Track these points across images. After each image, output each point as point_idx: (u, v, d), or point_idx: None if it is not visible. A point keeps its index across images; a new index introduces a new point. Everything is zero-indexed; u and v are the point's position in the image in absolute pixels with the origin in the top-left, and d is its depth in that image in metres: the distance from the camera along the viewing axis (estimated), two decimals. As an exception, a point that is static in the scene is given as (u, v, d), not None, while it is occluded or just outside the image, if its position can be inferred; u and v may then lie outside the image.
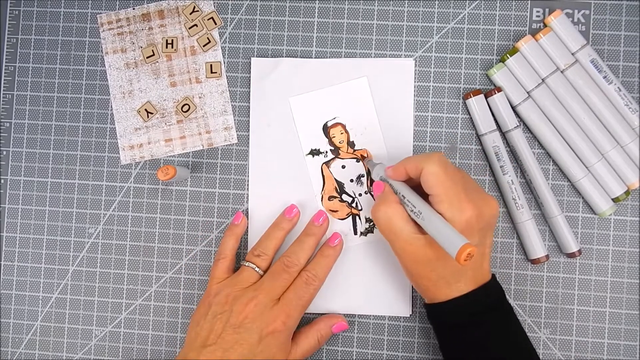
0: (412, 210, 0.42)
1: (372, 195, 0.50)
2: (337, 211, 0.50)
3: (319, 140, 0.51)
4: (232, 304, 0.44)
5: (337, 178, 0.51)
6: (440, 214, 0.41)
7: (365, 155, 0.50)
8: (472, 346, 0.42)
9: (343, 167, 0.51)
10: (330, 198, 0.51)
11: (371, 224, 0.50)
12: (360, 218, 0.50)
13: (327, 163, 0.51)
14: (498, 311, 0.43)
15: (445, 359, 0.45)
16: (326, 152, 0.51)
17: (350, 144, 0.51)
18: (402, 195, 0.43)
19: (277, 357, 0.44)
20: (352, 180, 0.51)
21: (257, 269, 0.46)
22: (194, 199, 0.52)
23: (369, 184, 0.50)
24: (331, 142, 0.51)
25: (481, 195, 0.43)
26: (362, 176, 0.50)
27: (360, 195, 0.50)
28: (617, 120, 0.49)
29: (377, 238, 0.50)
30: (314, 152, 0.51)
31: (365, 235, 0.50)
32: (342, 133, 0.51)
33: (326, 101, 0.51)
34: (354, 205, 0.50)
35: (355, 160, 0.51)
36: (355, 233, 0.50)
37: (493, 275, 0.44)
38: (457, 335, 0.43)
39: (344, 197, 0.51)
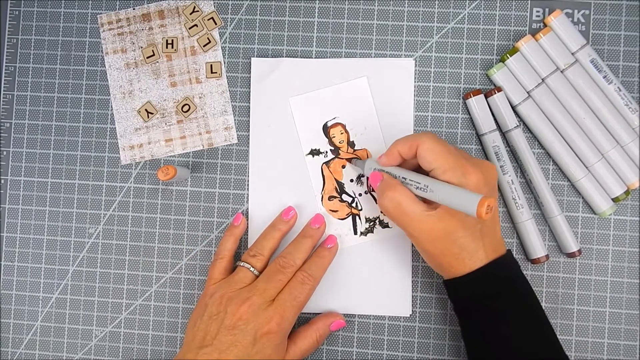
0: (418, 187, 0.42)
1: (371, 194, 0.50)
2: (337, 211, 0.50)
3: (319, 140, 0.51)
4: (227, 305, 0.44)
5: (337, 178, 0.51)
6: (446, 182, 0.41)
7: (366, 155, 0.51)
8: (493, 318, 0.42)
9: (343, 167, 0.51)
10: (331, 198, 0.51)
11: (371, 224, 0.50)
12: (360, 218, 0.50)
13: (327, 163, 0.51)
14: (518, 282, 0.43)
15: (466, 336, 0.45)
16: (326, 152, 0.51)
17: (351, 144, 0.51)
18: (403, 177, 0.43)
19: (273, 358, 0.43)
20: (352, 180, 0.51)
21: (252, 269, 0.46)
22: (194, 199, 0.52)
23: (369, 185, 0.50)
24: (331, 142, 0.51)
25: (477, 160, 0.43)
26: (362, 176, 0.50)
27: (360, 195, 0.50)
28: (617, 120, 0.49)
29: (377, 238, 0.50)
30: (314, 152, 0.51)
31: (366, 235, 0.50)
32: (342, 133, 0.51)
33: (326, 101, 0.51)
34: (354, 205, 0.50)
35: (355, 160, 0.51)
36: (355, 233, 0.50)
37: (509, 250, 0.44)
38: (479, 308, 0.43)
39: (344, 197, 0.51)
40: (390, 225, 0.50)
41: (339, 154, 0.51)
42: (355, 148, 0.51)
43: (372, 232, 0.50)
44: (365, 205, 0.50)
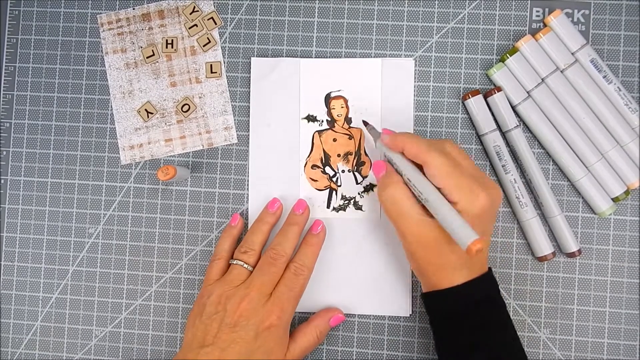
0: (419, 196, 0.42)
1: (354, 174, 0.50)
2: (317, 181, 0.50)
3: (318, 107, 0.51)
4: (226, 304, 0.44)
5: (325, 149, 0.51)
6: (452, 202, 0.41)
7: (360, 134, 0.50)
8: (469, 335, 0.42)
9: (334, 140, 0.51)
10: (314, 167, 0.51)
11: (345, 202, 0.50)
12: (337, 194, 0.50)
13: (320, 132, 0.51)
14: (497, 302, 0.43)
15: (440, 352, 0.44)
16: (322, 121, 0.51)
17: (348, 120, 0.51)
18: (408, 178, 0.43)
19: (275, 351, 0.44)
20: (339, 155, 0.50)
21: (245, 265, 0.46)
22: (194, 199, 0.52)
23: (354, 163, 0.50)
24: (329, 113, 0.51)
25: (486, 181, 0.43)
26: (350, 154, 0.50)
27: (343, 172, 0.50)
28: (617, 120, 0.49)
29: (347, 217, 0.50)
30: (310, 118, 0.51)
31: (337, 212, 0.50)
32: (342, 107, 0.51)
33: (335, 72, 0.51)
34: (334, 179, 0.50)
35: (347, 137, 0.50)
36: (328, 207, 0.50)
37: (490, 268, 0.44)
38: (456, 323, 0.42)
39: (327, 169, 0.51)
40: (363, 209, 0.50)
41: (334, 127, 0.51)
42: (351, 125, 0.51)
43: (344, 210, 0.50)
44: (345, 183, 0.50)
